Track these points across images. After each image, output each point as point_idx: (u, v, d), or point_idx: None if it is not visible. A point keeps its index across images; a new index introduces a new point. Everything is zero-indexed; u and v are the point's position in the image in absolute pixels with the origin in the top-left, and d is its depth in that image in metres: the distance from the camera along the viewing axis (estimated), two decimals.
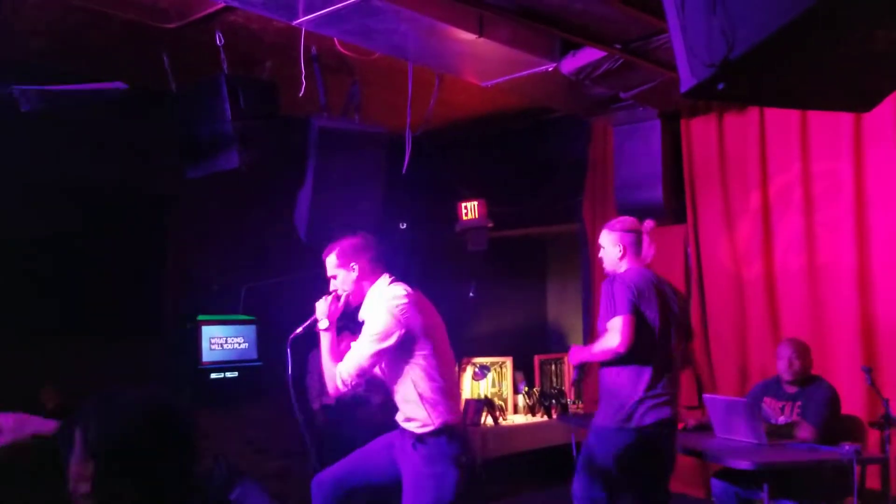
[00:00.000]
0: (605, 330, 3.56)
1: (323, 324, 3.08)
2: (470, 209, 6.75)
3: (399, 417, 3.13)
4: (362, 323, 3.17)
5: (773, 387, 4.42)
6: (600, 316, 3.63)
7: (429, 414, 3.00)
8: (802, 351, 4.34)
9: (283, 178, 4.76)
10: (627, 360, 3.54)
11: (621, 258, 3.75)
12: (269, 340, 5.96)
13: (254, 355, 5.94)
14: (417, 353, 3.04)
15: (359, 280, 3.15)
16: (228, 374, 5.80)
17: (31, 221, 4.90)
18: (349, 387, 3.01)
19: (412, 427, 3.04)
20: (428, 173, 6.37)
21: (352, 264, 3.14)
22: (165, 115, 4.70)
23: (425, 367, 3.04)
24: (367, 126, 4.72)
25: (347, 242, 3.21)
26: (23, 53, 3.80)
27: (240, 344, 5.88)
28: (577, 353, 3.83)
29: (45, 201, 4.97)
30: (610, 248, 3.77)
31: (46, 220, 4.97)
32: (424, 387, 3.02)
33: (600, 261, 3.97)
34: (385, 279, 3.16)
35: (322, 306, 3.11)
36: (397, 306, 3.02)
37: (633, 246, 3.75)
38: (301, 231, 4.69)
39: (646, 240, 3.79)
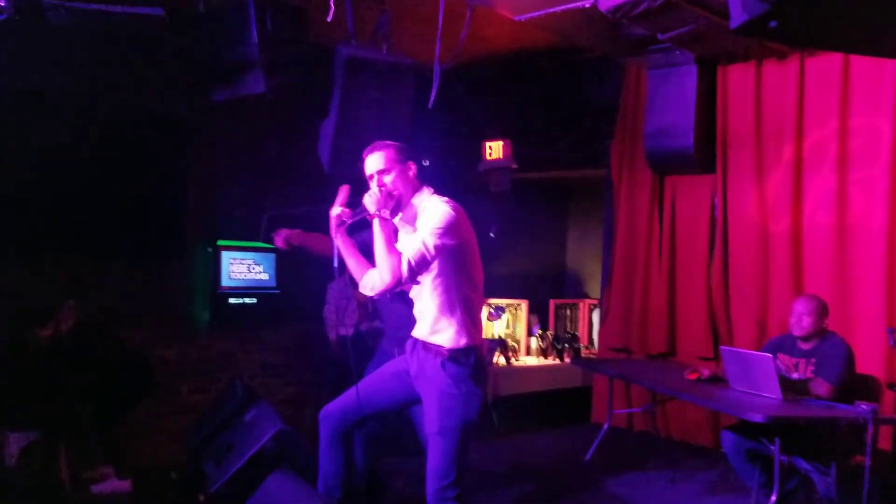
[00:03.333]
0: None
1: (385, 213, 2.93)
2: (494, 149, 6.65)
3: (424, 331, 3.04)
4: (395, 231, 3.08)
5: (787, 343, 4.37)
6: None
7: (463, 330, 2.96)
8: (815, 308, 4.24)
9: (308, 106, 4.69)
10: None
11: None
12: (287, 269, 5.99)
13: (273, 283, 5.97)
14: (465, 266, 2.98)
15: (412, 182, 3.04)
16: (247, 301, 5.84)
17: (54, 143, 4.88)
18: (412, 275, 2.87)
19: (442, 340, 2.97)
20: (454, 109, 6.27)
21: (409, 163, 3.05)
22: (192, 36, 4.62)
23: (471, 283, 3.00)
24: (395, 56, 4.62)
25: (402, 144, 3.10)
26: None
27: (259, 272, 5.90)
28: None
29: (68, 123, 4.95)
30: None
31: (69, 142, 4.95)
32: (468, 303, 2.98)
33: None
34: (428, 189, 3.07)
35: (371, 199, 2.95)
36: (458, 209, 2.96)
37: None
38: (324, 161, 4.64)
39: None
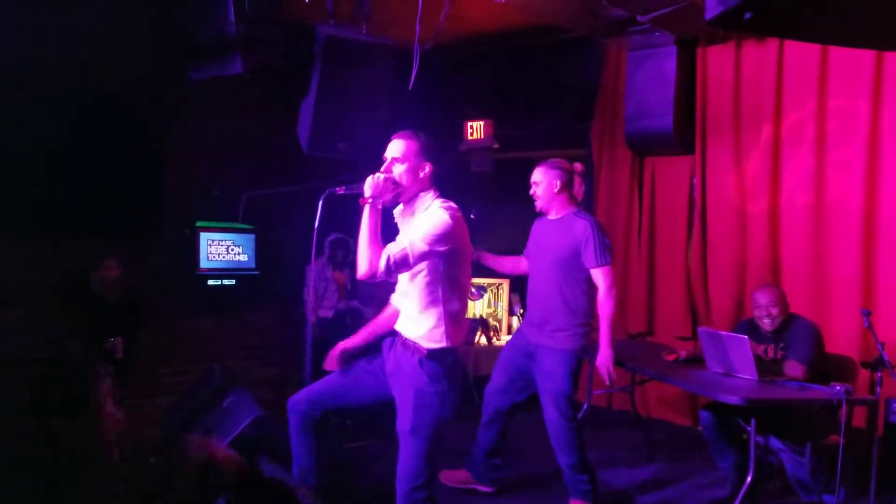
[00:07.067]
0: (571, 258, 3.99)
1: (377, 202, 2.91)
2: (476, 129, 6.63)
3: (406, 328, 3.05)
4: (393, 224, 3.09)
5: (752, 329, 4.34)
6: (589, 253, 3.95)
7: (445, 332, 2.97)
8: (779, 297, 4.24)
9: (288, 86, 4.65)
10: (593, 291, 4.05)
11: (558, 193, 4.08)
12: (267, 251, 5.96)
13: (252, 265, 5.94)
14: (457, 272, 2.98)
15: (420, 181, 3.00)
16: (226, 282, 5.81)
17: (31, 122, 4.81)
18: (388, 271, 2.84)
19: (423, 339, 2.98)
20: (435, 89, 6.23)
21: (425, 164, 3.01)
22: (169, 14, 4.55)
23: (456, 286, 3.00)
24: (374, 37, 4.58)
25: (431, 142, 3.06)
26: None
27: (238, 253, 5.87)
28: (607, 353, 4.04)
29: (46, 102, 4.88)
30: (547, 184, 4.07)
31: (46, 122, 4.88)
32: (452, 307, 2.98)
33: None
34: (434, 192, 3.04)
35: (371, 183, 2.92)
36: (457, 217, 2.94)
37: (568, 185, 4.09)
38: (303, 142, 4.62)
39: (577, 180, 4.15)
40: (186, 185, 5.72)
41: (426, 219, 2.93)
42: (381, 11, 4.74)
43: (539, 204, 4.11)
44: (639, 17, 4.98)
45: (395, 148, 3.03)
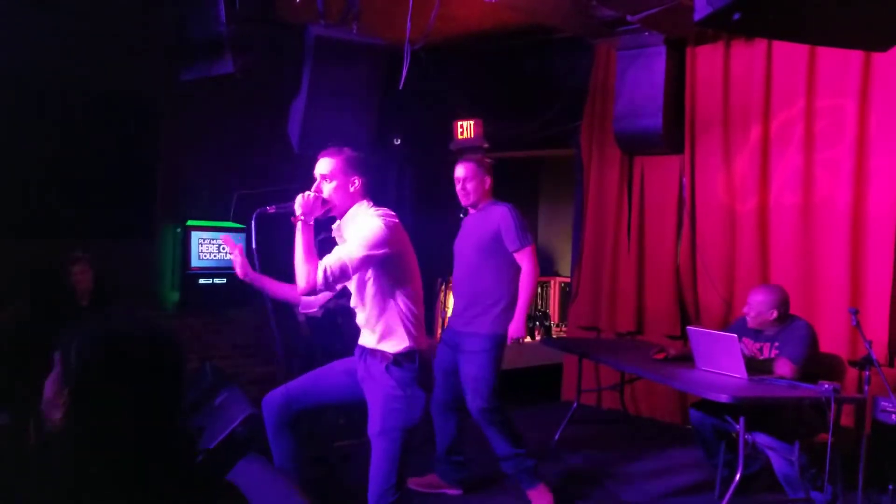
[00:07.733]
0: (489, 247, 4.09)
1: (309, 219, 2.97)
2: (466, 128, 6.64)
3: (370, 340, 3.09)
4: (332, 239, 3.13)
5: (748, 328, 4.37)
6: (511, 236, 4.06)
7: (406, 335, 3.02)
8: (765, 300, 4.25)
9: (278, 86, 4.65)
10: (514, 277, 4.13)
11: (488, 188, 4.21)
12: (258, 250, 5.94)
13: None
14: (404, 274, 3.03)
15: (351, 196, 3.07)
16: (217, 281, 5.80)
17: (22, 123, 4.80)
18: (327, 284, 2.89)
19: (386, 346, 3.03)
20: (425, 89, 6.24)
21: (353, 178, 3.06)
22: (159, 14, 4.55)
23: (409, 290, 3.04)
24: (364, 37, 4.59)
25: (354, 155, 3.11)
26: None
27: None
28: (519, 324, 4.10)
29: (36, 102, 4.86)
30: (479, 180, 4.18)
31: (38, 122, 4.87)
32: (407, 310, 3.03)
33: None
34: (367, 203, 3.10)
35: (302, 201, 2.98)
36: (392, 221, 2.99)
37: (492, 179, 4.23)
38: (294, 141, 4.62)
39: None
40: (177, 184, 5.72)
41: (360, 226, 2.98)
42: (371, 11, 4.75)
43: (469, 199, 4.20)
44: (629, 17, 5.01)
45: (322, 166, 3.08)
